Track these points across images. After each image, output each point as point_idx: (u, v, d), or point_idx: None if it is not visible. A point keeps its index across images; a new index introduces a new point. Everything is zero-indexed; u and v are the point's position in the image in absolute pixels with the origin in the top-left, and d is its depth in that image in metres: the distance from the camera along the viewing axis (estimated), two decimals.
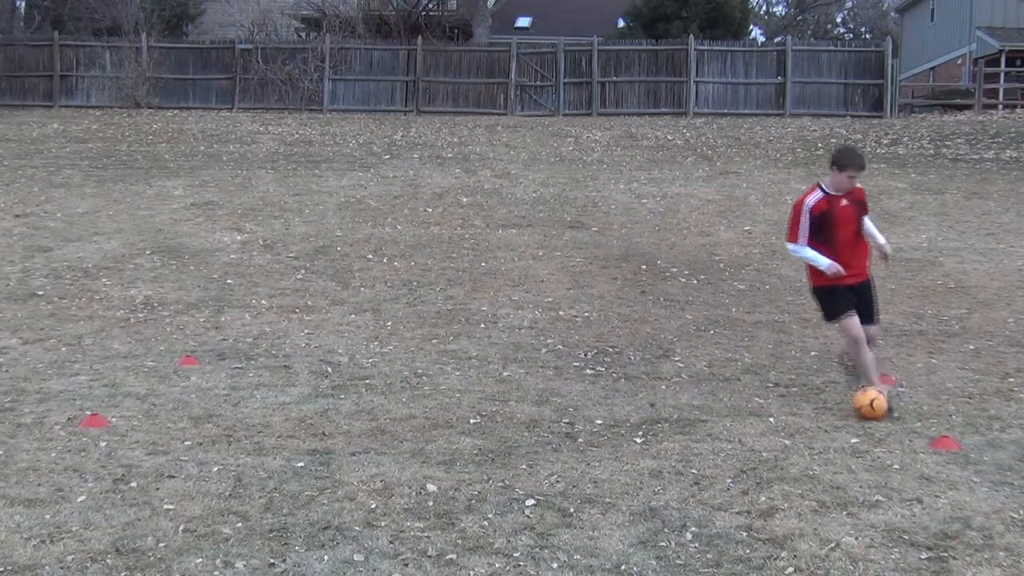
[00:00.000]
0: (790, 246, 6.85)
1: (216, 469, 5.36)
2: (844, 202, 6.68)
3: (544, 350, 8.43)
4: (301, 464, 5.46)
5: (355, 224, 13.45)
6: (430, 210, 14.35)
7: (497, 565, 4.23)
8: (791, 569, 4.21)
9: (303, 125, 22.65)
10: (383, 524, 4.64)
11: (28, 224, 13.19)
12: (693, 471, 5.40)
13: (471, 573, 4.16)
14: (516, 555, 4.33)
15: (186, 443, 5.83)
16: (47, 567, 4.15)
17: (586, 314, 9.67)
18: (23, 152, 18.76)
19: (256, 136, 21.10)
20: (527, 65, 25.67)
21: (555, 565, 4.24)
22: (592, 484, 5.20)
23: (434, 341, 8.69)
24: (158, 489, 5.05)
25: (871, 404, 6.41)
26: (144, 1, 29.30)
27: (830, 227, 6.66)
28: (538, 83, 25.64)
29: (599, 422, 6.39)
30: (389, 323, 9.32)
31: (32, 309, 9.60)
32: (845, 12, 57.13)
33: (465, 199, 15.14)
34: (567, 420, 6.43)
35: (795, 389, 7.27)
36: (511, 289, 10.59)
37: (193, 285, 10.58)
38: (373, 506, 4.85)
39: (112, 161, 18.00)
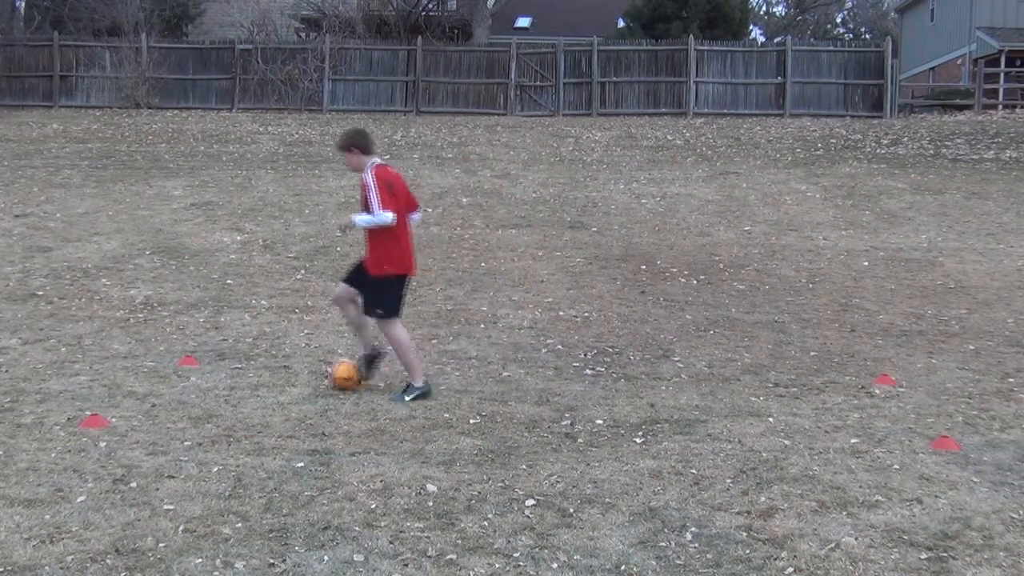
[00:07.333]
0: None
1: (216, 469, 5.35)
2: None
3: (544, 350, 8.43)
4: (301, 464, 5.45)
5: None
6: (430, 210, 14.35)
7: (497, 565, 4.23)
8: (791, 569, 4.21)
9: (303, 125, 22.66)
10: (383, 524, 4.64)
11: (28, 224, 13.19)
12: (693, 471, 5.40)
13: (471, 573, 4.16)
14: (516, 555, 4.32)
15: (186, 443, 5.83)
16: (47, 567, 4.14)
17: (586, 314, 9.67)
18: (23, 152, 18.76)
19: (256, 136, 21.10)
20: (527, 65, 25.67)
21: (555, 565, 4.24)
22: (592, 484, 5.19)
23: (434, 341, 8.68)
24: (158, 489, 5.04)
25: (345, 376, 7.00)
26: (144, 1, 29.29)
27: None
28: (538, 83, 25.63)
29: (599, 422, 6.38)
30: None
31: (32, 309, 9.60)
32: (845, 12, 57.20)
33: (465, 199, 15.14)
34: (567, 420, 6.42)
35: (795, 389, 7.27)
36: (511, 289, 10.59)
37: (193, 285, 10.58)
38: (373, 506, 4.85)
39: (112, 161, 18.00)
